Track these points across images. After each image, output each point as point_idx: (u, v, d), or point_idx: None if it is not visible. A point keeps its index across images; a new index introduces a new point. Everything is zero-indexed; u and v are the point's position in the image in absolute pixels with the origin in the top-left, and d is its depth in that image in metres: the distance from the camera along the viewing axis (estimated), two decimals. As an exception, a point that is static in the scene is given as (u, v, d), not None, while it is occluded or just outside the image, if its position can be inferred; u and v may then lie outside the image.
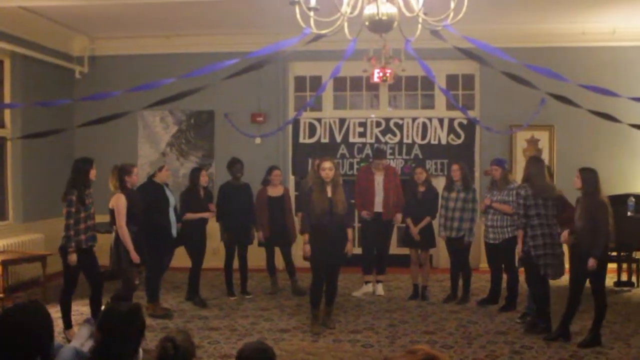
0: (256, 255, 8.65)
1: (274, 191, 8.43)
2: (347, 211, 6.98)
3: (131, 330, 2.93)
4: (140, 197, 7.11)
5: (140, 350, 3.10)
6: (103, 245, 7.29)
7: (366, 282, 8.56)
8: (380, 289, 8.45)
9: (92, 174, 6.51)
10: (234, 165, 8.36)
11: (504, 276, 7.78)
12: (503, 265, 7.73)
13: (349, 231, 7.12)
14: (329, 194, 6.85)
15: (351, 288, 8.69)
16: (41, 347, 2.91)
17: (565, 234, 6.50)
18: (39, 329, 2.90)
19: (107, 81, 9.97)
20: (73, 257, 6.34)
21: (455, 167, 8.00)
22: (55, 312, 6.88)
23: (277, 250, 8.61)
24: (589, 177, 6.18)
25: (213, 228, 8.29)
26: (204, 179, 7.92)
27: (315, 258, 6.91)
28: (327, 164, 6.90)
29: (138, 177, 7.12)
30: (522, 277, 7.52)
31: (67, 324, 6.49)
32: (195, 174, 7.96)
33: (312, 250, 6.91)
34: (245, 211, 8.23)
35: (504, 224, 7.50)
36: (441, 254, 9.68)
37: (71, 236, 6.31)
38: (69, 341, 3.30)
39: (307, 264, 7.13)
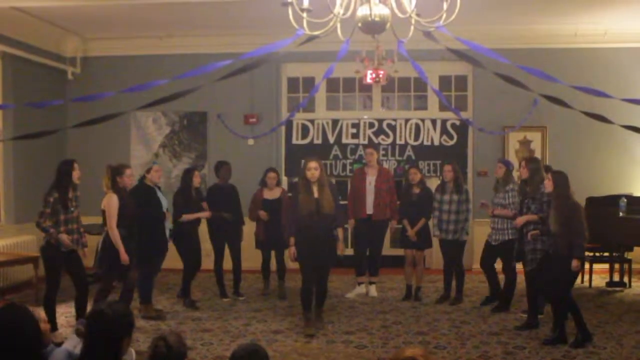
0: (249, 257, 8.62)
1: (270, 194, 8.36)
2: (336, 211, 6.89)
3: (116, 332, 2.92)
4: (132, 198, 7.10)
5: (133, 352, 3.10)
6: (93, 247, 7.25)
7: (359, 283, 8.55)
8: (373, 291, 8.44)
9: (74, 175, 6.47)
10: (221, 167, 8.34)
11: (510, 276, 7.65)
12: (502, 266, 7.68)
13: (340, 231, 7.03)
14: (315, 195, 6.81)
15: (344, 289, 8.70)
16: (31, 348, 2.89)
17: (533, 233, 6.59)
18: (28, 331, 2.89)
19: (100, 82, 9.95)
20: (63, 237, 6.34)
21: (447, 167, 7.98)
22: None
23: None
24: (560, 179, 6.23)
25: (204, 230, 8.26)
26: (196, 180, 7.91)
27: (303, 260, 6.89)
28: (312, 164, 6.82)
29: (132, 178, 7.01)
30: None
31: (52, 327, 6.42)
32: (187, 175, 7.95)
33: (299, 252, 6.87)
34: (232, 212, 8.20)
35: (505, 226, 7.47)
36: (434, 255, 9.69)
37: (44, 227, 6.27)
38: (54, 344, 3.29)
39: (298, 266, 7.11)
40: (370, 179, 8.34)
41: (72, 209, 6.46)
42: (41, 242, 6.53)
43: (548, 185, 6.31)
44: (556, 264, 6.20)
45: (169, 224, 7.43)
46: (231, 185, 8.37)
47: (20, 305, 3.06)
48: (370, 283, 8.49)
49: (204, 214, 7.88)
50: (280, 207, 8.27)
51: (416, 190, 8.15)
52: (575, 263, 6.05)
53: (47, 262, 6.47)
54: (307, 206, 6.77)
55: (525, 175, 6.89)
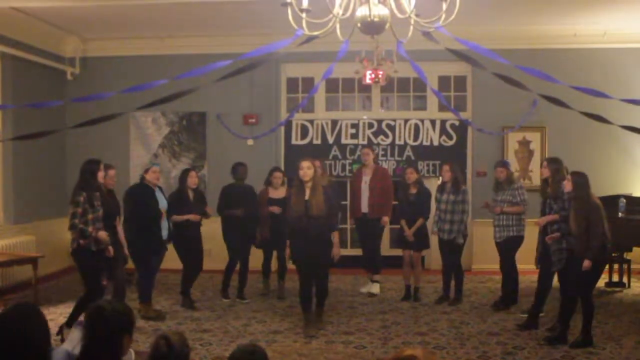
0: (251, 257, 8.60)
1: (276, 193, 8.31)
2: (328, 214, 6.75)
3: (115, 329, 2.91)
4: (129, 197, 7.13)
5: (132, 352, 3.09)
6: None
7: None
8: (374, 288, 8.45)
9: (100, 175, 6.46)
10: (238, 168, 8.30)
11: (512, 275, 7.70)
12: (500, 264, 7.70)
13: (335, 234, 6.94)
14: (306, 196, 6.73)
15: (345, 289, 8.71)
16: (39, 349, 2.90)
17: (553, 236, 6.56)
18: (38, 331, 2.89)
19: (99, 82, 9.94)
20: (102, 234, 6.29)
21: (446, 167, 8.00)
22: (48, 314, 6.86)
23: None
24: (581, 181, 6.20)
25: (206, 231, 8.23)
26: (192, 181, 7.85)
27: (296, 261, 6.90)
28: (304, 164, 6.75)
29: (114, 180, 7.07)
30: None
31: (71, 324, 6.37)
32: (183, 175, 7.93)
33: (292, 253, 6.88)
34: (248, 212, 8.16)
35: (510, 223, 7.48)
36: (433, 255, 9.69)
37: (83, 229, 6.16)
38: (62, 341, 3.31)
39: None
40: (366, 179, 8.47)
41: (98, 208, 6.42)
42: (72, 244, 6.36)
43: (567, 186, 6.30)
44: (575, 264, 6.17)
45: (166, 224, 7.41)
46: (248, 186, 8.36)
47: (31, 305, 3.06)
48: (372, 281, 8.52)
49: (192, 216, 7.72)
50: (285, 206, 8.24)
51: (413, 190, 8.15)
52: (586, 263, 6.04)
53: (82, 264, 6.37)
54: (296, 207, 6.74)
55: (546, 175, 6.85)
